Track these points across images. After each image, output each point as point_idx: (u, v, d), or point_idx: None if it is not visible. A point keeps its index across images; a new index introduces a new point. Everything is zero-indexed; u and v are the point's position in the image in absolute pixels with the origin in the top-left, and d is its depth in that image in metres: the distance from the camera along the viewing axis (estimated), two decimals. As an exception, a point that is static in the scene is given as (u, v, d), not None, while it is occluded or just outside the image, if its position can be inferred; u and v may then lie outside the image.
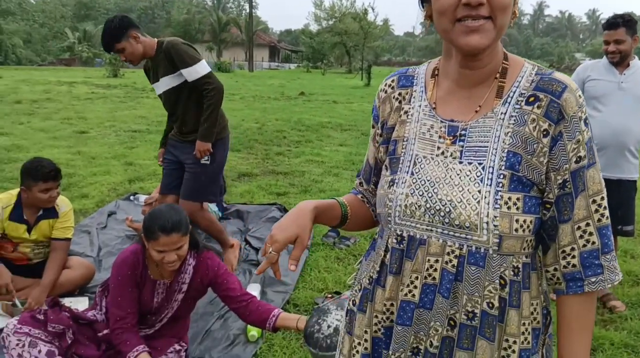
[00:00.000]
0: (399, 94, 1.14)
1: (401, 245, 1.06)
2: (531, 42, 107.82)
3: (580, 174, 0.99)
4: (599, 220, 1.01)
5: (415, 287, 1.04)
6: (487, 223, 0.96)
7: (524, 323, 1.03)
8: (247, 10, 51.16)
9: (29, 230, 3.12)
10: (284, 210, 4.96)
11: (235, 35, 56.97)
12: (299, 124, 11.11)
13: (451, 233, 1.00)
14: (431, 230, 1.01)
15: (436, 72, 1.11)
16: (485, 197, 0.97)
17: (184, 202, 3.60)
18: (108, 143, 8.45)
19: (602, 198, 1.01)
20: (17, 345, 2.25)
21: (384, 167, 1.15)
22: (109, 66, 25.36)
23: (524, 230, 0.98)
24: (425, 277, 1.03)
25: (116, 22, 3.43)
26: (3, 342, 2.29)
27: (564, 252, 1.03)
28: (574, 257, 1.02)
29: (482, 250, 0.98)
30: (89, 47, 50.05)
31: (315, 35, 49.86)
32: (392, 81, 1.17)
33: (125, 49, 3.45)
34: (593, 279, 1.01)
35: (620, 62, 3.10)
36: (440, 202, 1.00)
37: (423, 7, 1.05)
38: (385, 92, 1.17)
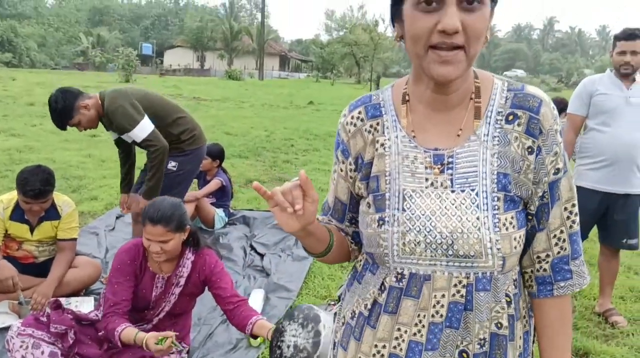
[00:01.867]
0: (370, 126, 1.07)
1: (401, 283, 1.02)
2: (540, 57, 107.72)
3: (557, 185, 1.02)
4: (571, 226, 1.04)
5: (424, 326, 1.01)
6: (490, 248, 0.95)
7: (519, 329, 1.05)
8: (259, 20, 51.60)
9: (32, 231, 3.17)
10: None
11: (247, 43, 57.45)
12: (307, 133, 11.19)
13: (456, 264, 0.97)
14: (435, 265, 0.98)
15: (407, 98, 1.05)
16: (485, 223, 0.96)
17: (140, 198, 3.51)
18: (118, 147, 8.53)
19: (573, 205, 1.04)
20: (21, 346, 2.30)
21: (365, 204, 1.07)
22: (122, 71, 25.63)
23: (520, 245, 1.00)
24: (433, 315, 1.00)
25: (60, 101, 3.30)
26: (7, 345, 2.34)
27: (538, 257, 1.05)
28: (547, 262, 1.05)
29: (488, 273, 0.99)
30: (102, 52, 50.58)
31: (326, 46, 50.13)
32: (360, 113, 1.09)
33: (81, 122, 3.39)
34: (562, 284, 1.05)
35: (630, 74, 3.11)
36: (441, 235, 0.97)
37: (394, 26, 1.01)
38: (355, 125, 1.09)
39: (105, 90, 3.53)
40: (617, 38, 3.16)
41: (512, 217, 0.98)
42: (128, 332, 2.28)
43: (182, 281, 2.50)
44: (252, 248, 4.33)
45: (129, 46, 36.00)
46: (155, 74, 38.28)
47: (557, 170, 1.01)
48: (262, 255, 4.17)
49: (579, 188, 3.18)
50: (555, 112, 1.01)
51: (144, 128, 3.37)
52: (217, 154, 4.95)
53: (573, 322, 3.26)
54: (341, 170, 1.13)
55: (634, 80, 3.14)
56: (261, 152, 8.71)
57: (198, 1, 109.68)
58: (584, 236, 3.34)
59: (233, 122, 12.10)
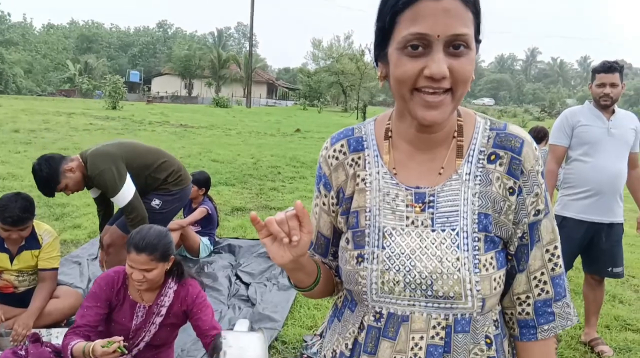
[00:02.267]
0: (352, 160, 1.06)
1: (379, 323, 1.00)
2: (523, 87, 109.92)
3: (537, 226, 1.01)
4: (553, 269, 1.03)
5: None
6: (470, 289, 0.94)
7: None
8: (247, 48, 52.15)
9: (11, 260, 3.11)
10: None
11: (235, 71, 57.90)
12: (294, 160, 11.21)
13: (435, 305, 0.96)
14: (413, 305, 0.97)
15: (389, 134, 1.04)
16: (465, 264, 0.94)
17: (114, 228, 3.56)
18: (103, 174, 8.46)
19: (555, 247, 1.03)
20: None
21: (344, 239, 1.06)
22: (108, 98, 25.63)
23: (499, 285, 0.99)
24: (411, 357, 0.98)
25: (45, 168, 3.30)
26: None
27: (519, 299, 1.04)
28: (529, 305, 1.04)
29: (467, 315, 0.97)
30: (89, 79, 50.64)
31: (313, 74, 50.77)
32: (342, 146, 1.07)
33: (68, 185, 3.39)
34: (545, 327, 1.04)
35: (609, 106, 3.18)
36: (420, 275, 0.95)
37: (377, 65, 0.99)
38: (337, 158, 1.07)
39: (86, 151, 3.53)
40: (596, 70, 3.22)
41: (492, 258, 0.97)
42: (79, 345, 2.25)
43: (164, 311, 2.46)
44: (238, 277, 4.28)
45: (116, 73, 36.10)
46: (142, 101, 38.33)
47: (538, 212, 1.00)
48: (247, 285, 4.12)
49: (564, 218, 3.22)
50: (537, 152, 1.01)
51: (125, 196, 3.40)
52: (203, 182, 4.93)
53: (559, 352, 3.26)
54: (323, 204, 1.11)
55: (613, 111, 3.21)
56: (247, 180, 8.70)
57: (186, 29, 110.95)
58: (569, 265, 3.37)
59: (220, 149, 12.10)
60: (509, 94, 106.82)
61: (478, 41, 0.93)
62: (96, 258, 4.50)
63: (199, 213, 4.81)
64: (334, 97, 56.82)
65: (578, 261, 3.48)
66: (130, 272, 2.32)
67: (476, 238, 0.96)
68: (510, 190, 0.98)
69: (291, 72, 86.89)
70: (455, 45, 0.87)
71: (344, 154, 1.07)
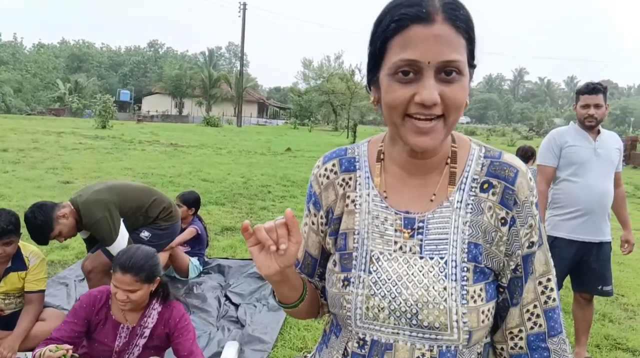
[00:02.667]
0: (343, 180, 1.04)
1: (363, 350, 0.98)
2: (511, 106, 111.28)
3: (531, 258, 0.98)
4: (545, 302, 1.00)
5: None
6: (456, 321, 0.91)
7: None
8: (238, 68, 52.44)
9: None
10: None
11: (225, 91, 58.10)
12: (284, 179, 11.21)
13: (420, 334, 0.93)
14: (397, 333, 0.94)
15: (382, 157, 1.03)
16: (452, 294, 0.92)
17: (98, 254, 3.54)
18: (92, 194, 8.40)
19: (549, 279, 1.00)
20: None
21: (332, 261, 1.04)
22: (98, 117, 25.59)
23: (488, 318, 0.96)
24: None
25: (39, 216, 3.27)
26: None
27: (511, 333, 1.01)
28: (521, 339, 1.01)
29: (453, 347, 0.94)
30: (79, 98, 50.57)
31: (304, 94, 51.12)
32: (334, 165, 1.06)
33: (62, 232, 3.39)
34: None
35: (594, 127, 3.23)
36: (406, 303, 0.93)
37: (370, 89, 0.97)
38: (327, 177, 1.06)
39: (76, 197, 3.52)
40: (580, 92, 3.27)
41: (481, 289, 0.94)
42: (41, 351, 2.22)
43: (147, 332, 2.44)
44: (227, 298, 4.24)
45: (106, 92, 36.10)
46: (132, 120, 38.29)
47: (532, 244, 0.98)
48: (237, 306, 4.08)
49: (555, 238, 3.23)
50: (532, 183, 0.98)
51: (120, 244, 3.43)
52: (193, 202, 4.91)
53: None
54: (312, 223, 1.09)
55: (598, 132, 3.26)
56: (237, 199, 8.67)
57: (177, 49, 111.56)
58: (559, 285, 3.38)
59: (210, 169, 12.08)
60: (498, 113, 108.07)
61: (472, 66, 0.92)
62: (83, 279, 4.45)
63: (188, 233, 4.78)
64: (324, 116, 57.10)
65: (567, 280, 3.49)
66: (115, 291, 2.31)
67: (465, 269, 0.94)
68: (502, 221, 0.96)
69: (282, 92, 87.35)
70: (446, 72, 0.86)
71: (335, 173, 1.06)
